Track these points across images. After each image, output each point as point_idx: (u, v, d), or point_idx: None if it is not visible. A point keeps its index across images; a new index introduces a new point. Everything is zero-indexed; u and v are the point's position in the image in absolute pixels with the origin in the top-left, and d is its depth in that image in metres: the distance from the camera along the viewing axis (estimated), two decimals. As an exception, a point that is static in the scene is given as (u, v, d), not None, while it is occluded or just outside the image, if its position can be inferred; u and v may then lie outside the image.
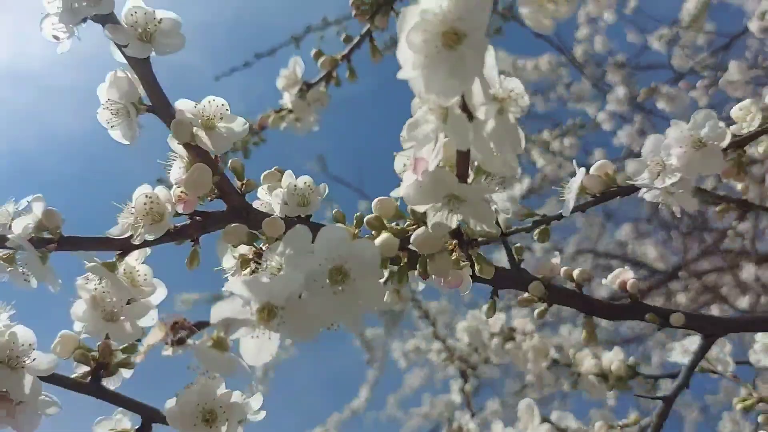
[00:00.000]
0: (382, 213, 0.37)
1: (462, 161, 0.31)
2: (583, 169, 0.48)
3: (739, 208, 0.63)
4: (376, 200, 0.37)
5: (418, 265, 0.38)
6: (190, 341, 0.28)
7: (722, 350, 0.75)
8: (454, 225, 0.34)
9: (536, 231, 0.52)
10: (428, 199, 0.32)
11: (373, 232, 0.37)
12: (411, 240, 0.35)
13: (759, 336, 0.72)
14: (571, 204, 0.49)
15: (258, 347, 0.29)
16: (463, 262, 0.39)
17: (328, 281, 0.30)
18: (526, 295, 0.52)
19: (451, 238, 0.39)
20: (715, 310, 2.08)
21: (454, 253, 0.39)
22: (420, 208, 0.33)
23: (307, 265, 0.30)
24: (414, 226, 0.36)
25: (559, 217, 0.51)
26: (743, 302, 1.97)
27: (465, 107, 0.26)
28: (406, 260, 0.37)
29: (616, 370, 0.76)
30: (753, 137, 0.47)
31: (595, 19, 2.53)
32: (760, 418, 0.57)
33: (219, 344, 0.29)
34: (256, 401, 0.44)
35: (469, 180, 0.33)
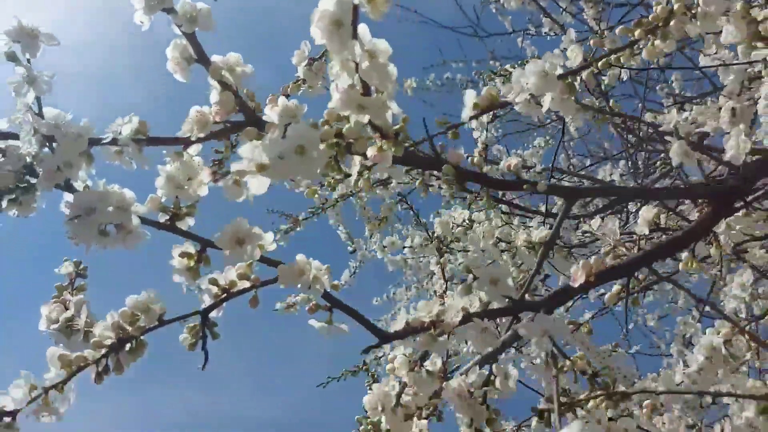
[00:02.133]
0: (329, 117, 0.63)
1: (364, 85, 0.58)
2: (473, 91, 0.75)
3: (619, 116, 0.88)
4: (326, 111, 0.64)
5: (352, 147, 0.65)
6: (221, 181, 0.56)
7: (613, 224, 1.00)
8: (365, 121, 0.61)
9: (449, 133, 0.78)
10: (346, 108, 0.59)
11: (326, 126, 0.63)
12: (343, 130, 0.62)
13: (641, 211, 0.97)
14: (467, 113, 0.75)
15: (257, 184, 0.57)
16: (385, 147, 0.66)
17: (294, 152, 0.57)
18: (444, 177, 0.79)
19: (377, 133, 0.66)
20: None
21: (381, 143, 0.66)
22: (344, 113, 0.60)
23: (283, 143, 0.57)
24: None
25: (462, 123, 0.77)
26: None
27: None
28: (344, 144, 0.64)
29: (539, 240, 1.03)
30: (577, 71, 0.72)
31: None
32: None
33: (236, 182, 0.57)
34: (269, 236, 0.72)
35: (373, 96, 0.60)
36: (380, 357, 2.29)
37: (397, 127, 0.67)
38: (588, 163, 2.63)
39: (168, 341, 0.71)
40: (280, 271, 0.71)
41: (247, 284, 0.72)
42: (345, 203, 1.88)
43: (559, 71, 0.71)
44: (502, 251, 1.09)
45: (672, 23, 0.70)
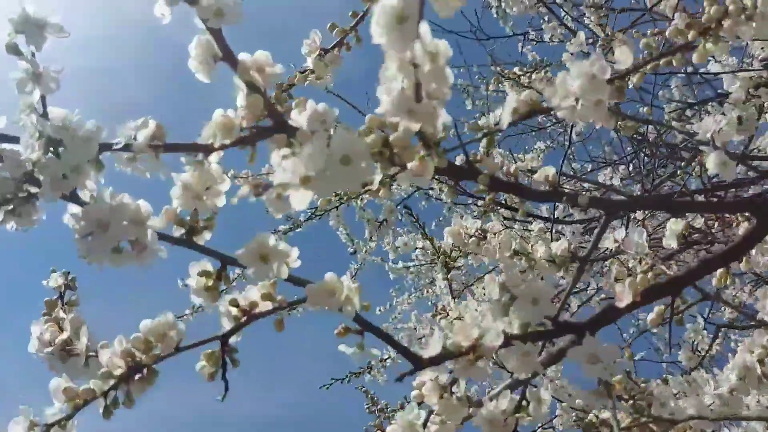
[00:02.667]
0: (371, 125, 0.58)
1: (416, 90, 0.52)
2: (513, 94, 0.69)
3: (650, 124, 0.84)
4: (368, 116, 0.58)
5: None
6: (263, 196, 0.50)
7: (640, 236, 0.96)
8: (416, 129, 0.55)
9: (483, 141, 0.73)
10: (397, 113, 0.53)
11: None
12: (390, 139, 0.57)
13: (669, 224, 0.93)
14: (506, 119, 0.70)
15: (300, 198, 0.51)
16: (427, 157, 0.61)
17: (339, 163, 0.52)
18: (479, 187, 0.74)
19: (420, 143, 0.60)
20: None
21: (422, 151, 0.61)
22: (393, 120, 0.55)
23: (328, 155, 0.51)
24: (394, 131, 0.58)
25: (500, 129, 0.72)
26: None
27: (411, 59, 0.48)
28: (388, 153, 0.58)
29: (560, 255, 0.99)
30: (627, 74, 0.67)
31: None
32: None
33: (279, 197, 0.51)
34: (294, 252, 0.66)
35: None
36: (385, 360, 2.25)
37: (440, 136, 0.62)
38: (590, 168, 2.61)
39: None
40: (308, 291, 0.65)
41: (270, 306, 0.66)
42: (346, 206, 1.84)
43: (608, 74, 0.66)
44: (522, 271, 1.04)
45: (726, 25, 0.66)
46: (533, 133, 2.72)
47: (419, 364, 0.68)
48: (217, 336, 0.64)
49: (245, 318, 0.66)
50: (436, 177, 1.28)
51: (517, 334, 0.69)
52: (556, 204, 1.54)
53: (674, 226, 0.93)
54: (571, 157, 2.62)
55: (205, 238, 0.66)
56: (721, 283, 0.85)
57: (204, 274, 0.64)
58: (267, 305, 0.66)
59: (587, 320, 0.71)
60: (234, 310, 0.66)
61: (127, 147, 0.62)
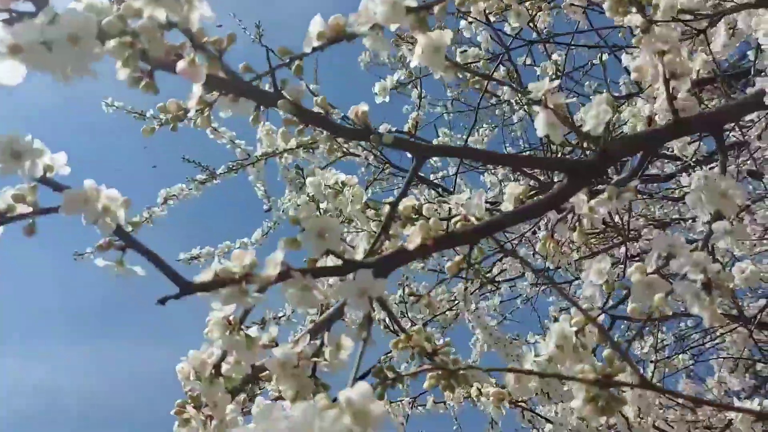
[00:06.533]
0: (126, 12, 0.53)
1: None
2: (319, 18, 0.66)
3: (491, 80, 0.82)
4: (124, 3, 0.53)
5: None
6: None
7: (480, 199, 0.94)
8: (161, 16, 0.51)
9: (293, 66, 0.70)
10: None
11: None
12: (136, 27, 0.52)
13: (507, 188, 0.91)
14: (310, 44, 0.67)
15: (8, 70, 0.47)
16: (199, 61, 0.57)
17: (66, 40, 0.47)
18: (286, 117, 0.70)
19: (190, 43, 0.56)
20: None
21: (192, 53, 0.57)
22: (137, 4, 0.51)
23: (54, 28, 0.47)
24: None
25: (305, 54, 0.68)
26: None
27: None
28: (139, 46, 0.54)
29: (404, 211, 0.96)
30: (430, 5, 0.65)
31: None
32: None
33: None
34: (61, 156, 0.61)
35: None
36: (280, 317, 2.20)
37: (214, 39, 0.58)
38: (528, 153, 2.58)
39: (120, 296, 0.60)
40: (64, 197, 0.61)
41: (26, 209, 0.61)
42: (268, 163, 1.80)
43: (411, 2, 0.64)
44: (372, 220, 1.01)
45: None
46: (474, 112, 2.72)
47: (187, 288, 0.64)
48: (-39, 236, 0.60)
49: (-3, 220, 0.61)
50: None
51: (301, 268, 0.65)
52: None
53: (512, 189, 0.90)
54: (522, 142, 2.62)
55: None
56: (545, 248, 0.83)
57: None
58: (22, 208, 0.62)
59: (375, 259, 0.68)
60: (-14, 212, 0.61)
61: None
